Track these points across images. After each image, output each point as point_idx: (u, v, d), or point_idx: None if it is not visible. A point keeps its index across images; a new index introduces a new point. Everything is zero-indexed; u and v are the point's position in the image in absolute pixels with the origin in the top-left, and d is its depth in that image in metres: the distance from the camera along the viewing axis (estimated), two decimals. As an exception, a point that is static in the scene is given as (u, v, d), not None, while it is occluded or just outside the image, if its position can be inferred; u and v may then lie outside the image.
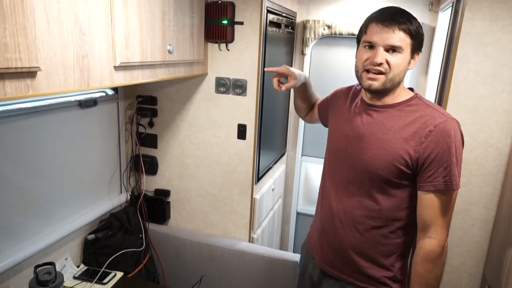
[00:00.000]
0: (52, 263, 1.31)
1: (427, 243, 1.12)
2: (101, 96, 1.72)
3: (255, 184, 1.93)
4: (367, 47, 1.14)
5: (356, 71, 1.18)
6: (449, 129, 1.08)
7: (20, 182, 1.37)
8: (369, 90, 1.16)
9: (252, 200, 1.92)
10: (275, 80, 1.38)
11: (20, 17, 0.80)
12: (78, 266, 1.67)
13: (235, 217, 1.95)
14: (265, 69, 1.40)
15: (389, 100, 1.18)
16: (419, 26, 1.13)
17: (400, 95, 1.18)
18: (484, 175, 1.60)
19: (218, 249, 1.90)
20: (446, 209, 1.11)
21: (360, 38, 1.18)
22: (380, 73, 1.11)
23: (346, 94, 1.36)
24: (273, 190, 2.28)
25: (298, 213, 2.80)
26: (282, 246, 2.79)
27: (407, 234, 1.22)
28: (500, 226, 1.57)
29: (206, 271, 1.91)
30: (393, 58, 1.10)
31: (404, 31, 1.09)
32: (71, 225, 1.61)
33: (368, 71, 1.13)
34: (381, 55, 1.10)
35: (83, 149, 1.65)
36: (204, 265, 1.92)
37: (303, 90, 1.52)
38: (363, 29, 1.17)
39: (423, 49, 2.34)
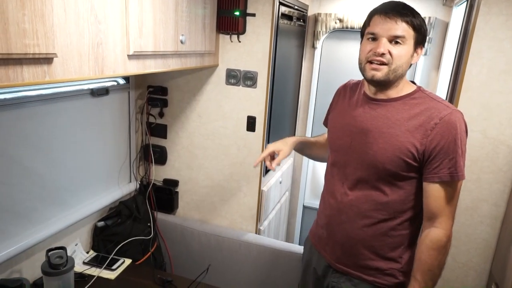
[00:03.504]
0: (63, 248, 1.34)
1: (434, 233, 1.13)
2: (113, 85, 1.73)
3: (263, 176, 1.94)
4: (370, 39, 1.14)
5: (360, 64, 1.18)
6: (455, 121, 1.09)
7: (35, 168, 1.40)
8: (372, 81, 1.16)
9: (260, 192, 1.93)
10: (267, 162, 1.38)
11: (39, 3, 0.81)
12: (87, 252, 1.70)
13: (243, 209, 1.96)
14: (254, 165, 1.42)
15: (393, 93, 1.18)
16: (422, 21, 1.14)
17: (404, 89, 1.18)
18: (494, 172, 1.59)
19: (225, 240, 1.92)
20: (451, 199, 1.13)
21: (364, 31, 1.19)
22: (383, 63, 1.11)
23: (343, 91, 1.37)
24: (280, 183, 2.29)
25: (304, 207, 2.81)
26: (288, 239, 2.80)
27: (414, 225, 1.22)
28: (509, 223, 1.56)
29: (212, 261, 1.93)
30: (396, 49, 1.10)
31: (407, 22, 1.10)
32: (81, 211, 1.64)
33: (371, 62, 1.13)
34: (384, 46, 1.10)
35: (94, 137, 1.68)
36: (211, 255, 1.95)
37: (302, 147, 1.53)
38: (367, 22, 1.17)
39: (436, 44, 2.33)
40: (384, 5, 1.15)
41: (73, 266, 1.35)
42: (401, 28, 1.10)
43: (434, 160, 1.10)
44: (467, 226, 1.66)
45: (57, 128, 1.46)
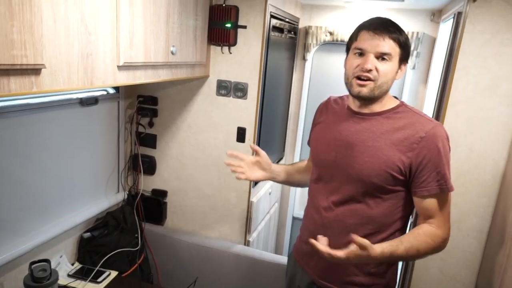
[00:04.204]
0: (47, 260, 1.31)
1: (432, 228, 1.14)
2: (102, 95, 1.72)
3: (253, 187, 1.93)
4: (357, 54, 1.15)
5: (346, 78, 1.19)
6: (439, 135, 1.12)
7: (20, 177, 1.37)
8: (358, 96, 1.17)
9: (249, 203, 1.92)
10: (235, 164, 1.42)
11: (28, 14, 0.80)
12: (72, 264, 1.67)
13: (232, 220, 1.95)
14: (227, 152, 1.43)
15: (377, 108, 1.19)
16: (407, 37, 1.16)
17: (387, 103, 1.20)
18: (480, 185, 1.61)
19: (213, 251, 1.90)
20: (443, 209, 1.14)
21: (350, 45, 1.19)
22: (369, 79, 1.13)
23: (325, 108, 1.37)
24: (270, 194, 2.29)
25: (294, 218, 2.80)
26: (277, 250, 2.79)
27: None
28: (494, 237, 1.58)
29: (200, 273, 1.91)
30: (382, 66, 1.12)
31: (394, 40, 1.12)
32: (67, 222, 1.61)
33: (358, 78, 1.14)
34: (371, 62, 1.11)
35: (82, 147, 1.66)
36: (199, 266, 1.92)
37: (286, 176, 1.50)
38: (354, 36, 1.18)
39: (424, 59, 2.37)
40: (372, 21, 1.16)
41: (57, 279, 1.32)
42: (388, 45, 1.11)
43: (422, 173, 1.11)
44: (454, 239, 1.67)
45: (43, 138, 1.44)
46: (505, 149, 1.56)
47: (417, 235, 1.12)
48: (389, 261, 1.21)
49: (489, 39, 1.50)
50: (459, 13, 1.61)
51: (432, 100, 1.99)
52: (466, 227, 1.66)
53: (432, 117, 1.89)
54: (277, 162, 2.45)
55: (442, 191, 1.12)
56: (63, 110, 1.52)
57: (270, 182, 2.30)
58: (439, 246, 1.14)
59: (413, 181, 1.14)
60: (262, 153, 1.43)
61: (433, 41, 2.24)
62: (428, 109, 2.14)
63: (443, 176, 1.11)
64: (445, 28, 2.01)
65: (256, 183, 1.98)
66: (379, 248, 1.04)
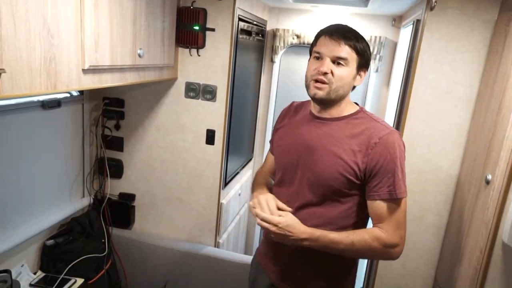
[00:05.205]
0: (8, 271, 1.26)
1: (376, 230, 1.15)
2: (66, 97, 1.67)
3: (222, 189, 1.94)
4: (316, 58, 1.20)
5: (306, 81, 1.22)
6: (393, 141, 1.15)
7: (-25, 186, 1.31)
8: (314, 99, 1.21)
9: (219, 205, 1.93)
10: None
11: (-15, 17, 0.77)
12: (35, 273, 1.61)
13: (202, 222, 1.95)
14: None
15: (336, 113, 1.23)
16: (366, 45, 1.20)
17: (346, 109, 1.24)
18: (438, 184, 1.71)
19: (183, 254, 1.89)
20: (394, 215, 1.14)
21: (312, 50, 1.24)
22: (324, 83, 1.16)
23: (288, 112, 1.40)
24: (239, 195, 2.30)
25: (263, 218, 2.83)
26: (247, 250, 2.81)
27: None
28: (451, 232, 1.68)
29: (171, 276, 1.89)
30: (338, 70, 1.16)
31: (350, 46, 1.16)
32: (28, 230, 1.55)
33: (316, 80, 1.18)
34: (327, 65, 1.15)
35: (44, 152, 1.59)
36: (169, 270, 1.91)
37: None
38: (314, 41, 1.23)
39: (386, 62, 2.46)
40: (330, 27, 1.21)
41: (19, 290, 1.27)
42: (344, 50, 1.15)
43: (374, 179, 1.14)
44: (414, 235, 1.77)
45: (2, 142, 1.38)
46: (460, 149, 1.66)
47: (359, 231, 1.15)
48: (325, 249, 1.15)
49: (445, 46, 1.59)
50: (418, 21, 1.70)
51: (394, 102, 2.08)
52: (425, 224, 1.76)
53: (394, 119, 1.98)
54: (246, 163, 2.47)
55: (391, 197, 1.13)
56: (23, 113, 1.45)
57: (240, 183, 2.32)
58: (381, 250, 1.13)
59: (367, 185, 1.16)
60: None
61: (394, 45, 2.34)
62: (391, 111, 2.23)
63: (394, 183, 1.13)
64: (406, 33, 2.11)
65: (225, 184, 1.99)
66: (309, 229, 1.13)
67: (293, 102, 1.42)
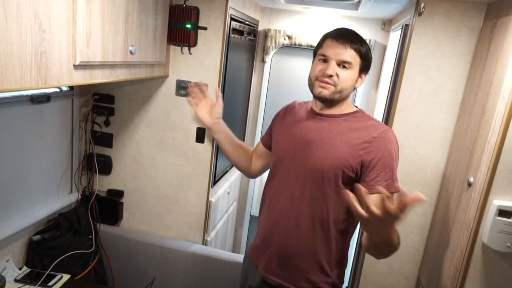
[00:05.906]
0: (-7, 266, 1.25)
1: None
2: (55, 92, 1.65)
3: (211, 187, 1.95)
4: (321, 60, 1.24)
5: (309, 80, 1.28)
6: (391, 137, 1.21)
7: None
8: (319, 97, 1.25)
9: (208, 203, 1.94)
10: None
11: (-23, 11, 0.77)
12: (20, 269, 1.59)
13: (190, 220, 1.96)
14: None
15: (337, 111, 1.29)
16: (368, 49, 1.26)
17: (347, 109, 1.30)
18: (423, 185, 1.75)
19: (171, 251, 1.90)
20: None
21: (317, 51, 1.28)
22: (329, 84, 1.22)
23: (289, 110, 1.45)
24: (228, 193, 2.32)
25: (251, 216, 2.85)
26: (235, 249, 2.82)
27: (346, 241, 1.30)
28: (434, 233, 1.72)
29: (158, 273, 1.90)
30: (343, 73, 1.21)
31: (355, 50, 1.21)
32: (14, 225, 1.53)
33: (320, 80, 1.23)
34: (333, 68, 1.20)
35: (32, 146, 1.58)
36: (156, 267, 1.91)
37: (225, 138, 1.63)
38: (320, 43, 1.28)
39: (375, 64, 2.50)
40: (337, 31, 1.26)
41: (3, 285, 1.26)
42: (349, 54, 1.20)
43: (372, 172, 1.18)
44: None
45: (-10, 137, 1.37)
46: (444, 152, 1.71)
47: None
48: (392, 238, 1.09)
49: (432, 51, 1.63)
50: (407, 25, 1.73)
51: (382, 104, 2.12)
52: (409, 225, 1.79)
53: (382, 121, 2.02)
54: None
55: (389, 190, 1.17)
56: (12, 107, 1.44)
57: (229, 182, 2.33)
58: (398, 242, 1.11)
59: (363, 179, 1.19)
60: (220, 103, 1.63)
61: (384, 48, 2.38)
62: (379, 113, 2.27)
63: (391, 176, 1.18)
64: (395, 37, 2.15)
65: (215, 182, 2.00)
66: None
67: (295, 101, 1.47)
